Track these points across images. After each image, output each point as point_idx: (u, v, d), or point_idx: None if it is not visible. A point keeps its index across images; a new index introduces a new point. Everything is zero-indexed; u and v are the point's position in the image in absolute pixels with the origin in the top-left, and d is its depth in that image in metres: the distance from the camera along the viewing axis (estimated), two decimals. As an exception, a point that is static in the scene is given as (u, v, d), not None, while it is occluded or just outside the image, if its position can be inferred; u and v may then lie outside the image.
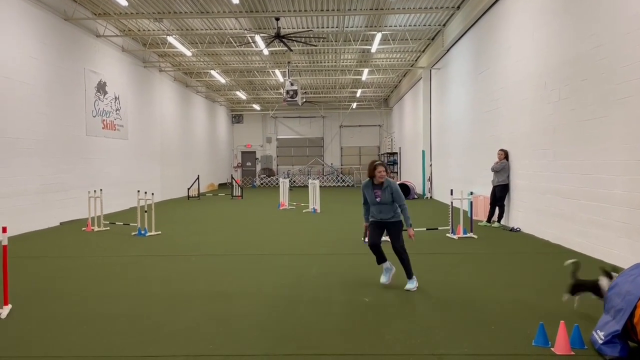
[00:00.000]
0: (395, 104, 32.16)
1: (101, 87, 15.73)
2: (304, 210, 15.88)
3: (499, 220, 11.68)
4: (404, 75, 26.29)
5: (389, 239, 6.12)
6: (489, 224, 11.66)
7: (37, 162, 12.16)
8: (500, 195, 11.53)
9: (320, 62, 22.94)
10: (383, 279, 6.13)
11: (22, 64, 11.68)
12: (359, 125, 36.42)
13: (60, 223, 13.03)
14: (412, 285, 6.00)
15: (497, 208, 11.66)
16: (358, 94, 30.26)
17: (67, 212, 13.38)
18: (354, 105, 34.44)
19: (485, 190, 12.84)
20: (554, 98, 9.33)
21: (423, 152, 21.74)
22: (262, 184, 34.32)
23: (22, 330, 4.67)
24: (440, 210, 15.54)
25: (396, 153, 31.22)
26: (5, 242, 5.14)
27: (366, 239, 6.20)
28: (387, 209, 6.03)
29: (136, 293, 5.98)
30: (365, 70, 22.64)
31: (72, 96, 13.98)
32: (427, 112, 21.46)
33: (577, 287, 4.88)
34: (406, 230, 6.10)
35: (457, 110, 16.67)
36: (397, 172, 30.91)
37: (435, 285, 6.17)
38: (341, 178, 34.43)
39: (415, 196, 21.26)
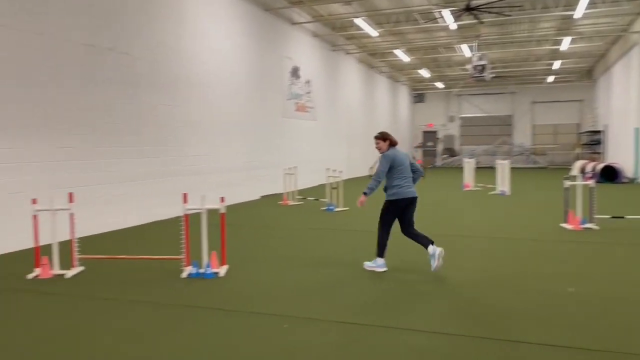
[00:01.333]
0: (600, 76, 28.39)
1: (295, 72, 16.89)
2: (490, 193, 15.09)
3: None
4: (613, 43, 22.99)
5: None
6: None
7: (242, 141, 13.63)
8: None
9: (513, 34, 21.30)
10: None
11: (231, 55, 13.12)
12: (555, 101, 33.09)
13: (261, 196, 14.47)
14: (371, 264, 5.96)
15: None
16: (555, 66, 27.42)
17: (267, 187, 14.79)
18: (550, 78, 31.32)
19: None
20: None
21: (636, 129, 18.87)
22: (443, 164, 33.53)
23: (236, 288, 5.31)
24: (658, 197, 13.39)
25: (600, 131, 27.66)
26: (223, 211, 5.86)
27: None
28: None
29: (330, 262, 6.35)
30: (566, 39, 20.36)
31: (271, 81, 15.29)
32: (643, 84, 18.50)
33: None
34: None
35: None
36: (600, 153, 27.40)
37: (657, 281, 5.34)
38: (532, 159, 31.81)
39: (625, 180, 18.66)
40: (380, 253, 5.90)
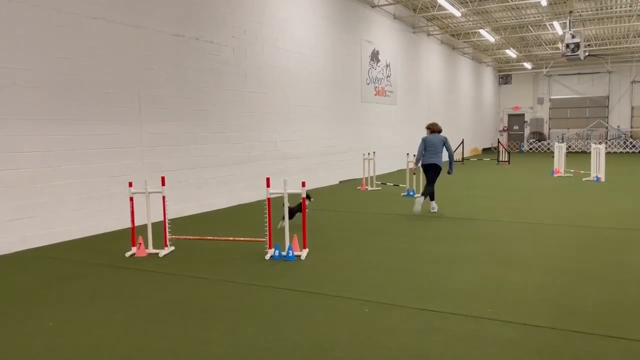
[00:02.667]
0: None
1: (374, 56, 16.69)
2: (584, 179, 14.17)
3: None
4: None
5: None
6: None
7: (321, 127, 13.74)
8: None
9: (610, 8, 19.68)
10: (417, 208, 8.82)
11: (313, 40, 13.20)
12: (659, 80, 30.28)
13: (340, 182, 14.55)
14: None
15: None
16: (659, 42, 25.05)
17: (345, 172, 14.84)
18: (653, 55, 28.68)
19: None
20: None
21: None
22: (530, 149, 31.89)
23: (317, 271, 5.40)
24: None
25: None
26: (304, 195, 5.96)
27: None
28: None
29: (409, 249, 6.28)
30: (673, 11, 18.51)
31: (350, 66, 15.23)
32: None
33: None
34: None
35: None
36: None
37: None
38: (631, 143, 29.41)
39: None
40: (424, 194, 8.92)
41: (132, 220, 6.29)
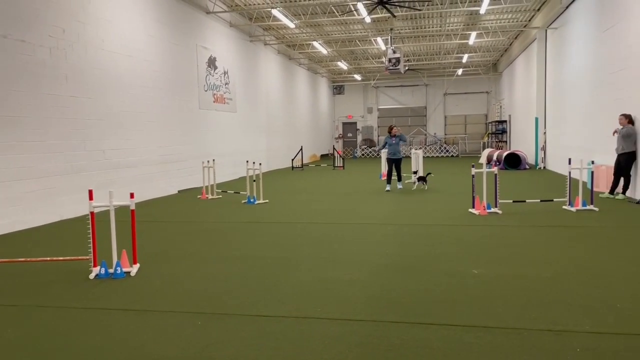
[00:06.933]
0: (505, 68, 30.27)
1: (211, 62, 16.50)
2: (406, 181, 15.65)
3: (623, 192, 10.66)
4: (516, 37, 24.58)
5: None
6: (612, 196, 10.70)
7: (157, 134, 13.15)
8: (625, 165, 10.50)
9: (424, 28, 22.14)
10: (388, 188, 12.93)
11: (143, 43, 12.57)
12: (465, 93, 34.89)
13: (178, 191, 14.06)
14: (399, 185, 13.05)
15: (621, 179, 10.64)
16: (464, 60, 28.87)
17: (184, 181, 14.39)
18: (460, 71, 32.96)
19: (606, 160, 11.75)
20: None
21: (536, 119, 20.34)
22: (363, 154, 34.33)
23: (148, 287, 5.13)
24: (555, 182, 14.53)
25: (505, 121, 29.54)
26: (133, 207, 5.63)
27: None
28: (398, 148, 13.08)
29: (248, 256, 6.31)
30: (473, 34, 21.49)
31: (186, 71, 14.84)
32: (542, 77, 19.95)
33: None
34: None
35: (576, 74, 15.29)
36: (506, 141, 29.28)
37: (552, 260, 5.81)
38: (445, 148, 33.38)
39: (527, 166, 20.07)
40: (388, 180, 13.32)
41: None
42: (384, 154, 17.53)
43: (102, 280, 5.35)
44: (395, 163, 13.21)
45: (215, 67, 16.81)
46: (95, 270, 5.49)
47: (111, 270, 5.47)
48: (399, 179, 13.41)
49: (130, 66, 12.02)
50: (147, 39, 12.76)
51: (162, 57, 13.49)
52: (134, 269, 5.63)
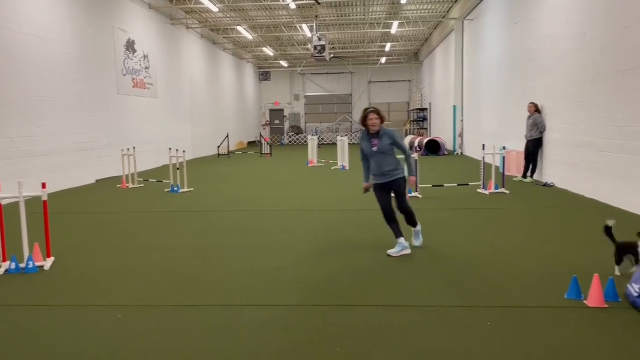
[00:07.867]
0: (425, 57, 31.33)
1: (130, 45, 15.77)
2: (332, 167, 15.89)
3: (531, 175, 11.46)
4: (435, 28, 25.47)
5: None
6: (524, 179, 11.47)
7: (72, 120, 12.42)
8: (532, 149, 11.28)
9: (349, 15, 22.40)
10: (393, 251, 5.53)
11: (52, 22, 11.77)
12: (388, 81, 35.74)
13: (96, 180, 13.41)
14: (417, 241, 5.85)
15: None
16: (387, 48, 29.54)
17: (103, 170, 13.73)
18: (383, 59, 33.69)
19: (517, 145, 12.56)
20: (593, 47, 8.92)
21: (454, 107, 21.29)
22: (290, 141, 34.36)
23: (64, 281, 4.89)
24: (471, 166, 15.33)
25: (426, 109, 30.66)
26: (45, 198, 5.32)
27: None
28: (387, 160, 5.48)
29: (171, 246, 6.17)
30: (395, 23, 22.01)
31: (102, 54, 14.09)
32: (459, 66, 20.87)
33: (621, 251, 4.56)
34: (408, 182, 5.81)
35: (490, 63, 16.14)
36: (426, 128, 30.43)
37: (466, 240, 6.16)
38: (370, 135, 34.02)
39: (446, 152, 21.00)
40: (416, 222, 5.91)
41: None
42: (311, 140, 17.68)
43: (12, 276, 5.03)
44: (388, 188, 5.65)
45: (134, 51, 16.09)
46: (5, 265, 5.15)
47: (22, 265, 5.16)
48: (412, 223, 5.80)
49: (41, 48, 11.23)
50: (57, 19, 11.96)
51: (75, 39, 12.71)
52: (47, 263, 5.33)
